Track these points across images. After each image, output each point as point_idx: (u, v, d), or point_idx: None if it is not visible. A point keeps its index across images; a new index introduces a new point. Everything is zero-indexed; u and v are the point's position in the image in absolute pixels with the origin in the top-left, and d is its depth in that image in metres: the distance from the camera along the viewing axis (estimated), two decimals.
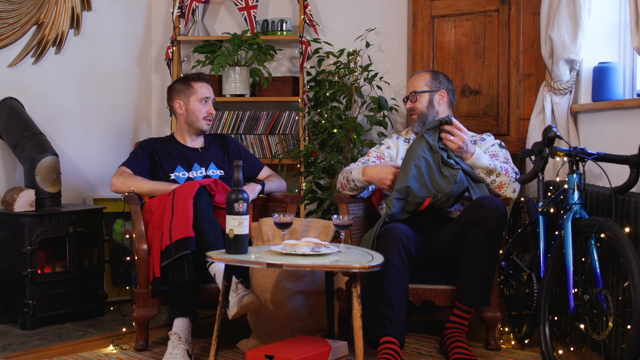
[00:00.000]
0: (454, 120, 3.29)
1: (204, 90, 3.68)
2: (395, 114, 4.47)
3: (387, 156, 3.56)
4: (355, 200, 3.55)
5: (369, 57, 4.43)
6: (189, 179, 3.58)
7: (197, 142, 3.73)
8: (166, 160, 3.63)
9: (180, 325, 3.11)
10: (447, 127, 3.27)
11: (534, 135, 3.81)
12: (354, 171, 3.45)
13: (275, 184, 3.73)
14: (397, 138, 3.65)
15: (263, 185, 3.63)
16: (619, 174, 2.93)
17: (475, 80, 4.13)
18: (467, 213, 3.14)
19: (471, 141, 3.38)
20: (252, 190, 3.55)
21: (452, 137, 3.26)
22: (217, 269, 3.08)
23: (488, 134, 3.62)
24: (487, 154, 3.43)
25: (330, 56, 4.41)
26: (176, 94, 3.71)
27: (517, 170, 3.39)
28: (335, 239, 3.26)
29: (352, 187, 3.47)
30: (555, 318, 3.09)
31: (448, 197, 3.19)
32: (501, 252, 3.24)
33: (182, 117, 3.70)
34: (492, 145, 3.51)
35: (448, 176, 3.20)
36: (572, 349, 3.04)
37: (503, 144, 3.54)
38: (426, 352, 3.26)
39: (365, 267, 2.62)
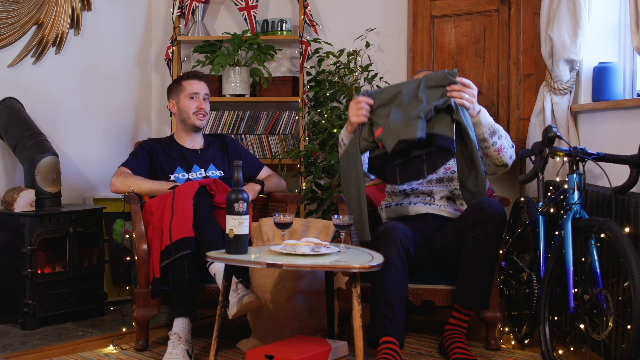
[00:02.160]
0: (460, 78, 3.04)
1: (192, 86, 3.68)
2: None
3: None
4: None
5: (369, 57, 4.43)
6: (188, 180, 3.57)
7: (197, 143, 3.73)
8: (166, 161, 3.62)
9: (180, 325, 3.11)
10: (455, 87, 3.02)
11: (534, 135, 3.81)
12: (342, 131, 3.29)
13: (275, 183, 3.73)
14: None
15: (263, 185, 3.63)
16: (619, 174, 2.93)
17: (475, 80, 4.10)
18: (466, 215, 3.13)
19: None
20: (251, 190, 3.55)
21: (466, 95, 3.02)
22: (217, 269, 3.08)
23: None
24: None
25: (330, 56, 4.40)
26: (169, 95, 3.75)
27: (513, 144, 3.27)
28: (335, 239, 3.26)
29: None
30: (555, 318, 3.09)
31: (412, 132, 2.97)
32: (501, 252, 3.24)
33: (176, 116, 3.73)
34: None
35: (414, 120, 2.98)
36: (572, 349, 3.04)
37: None
38: (426, 352, 3.26)
39: (365, 267, 2.62)
